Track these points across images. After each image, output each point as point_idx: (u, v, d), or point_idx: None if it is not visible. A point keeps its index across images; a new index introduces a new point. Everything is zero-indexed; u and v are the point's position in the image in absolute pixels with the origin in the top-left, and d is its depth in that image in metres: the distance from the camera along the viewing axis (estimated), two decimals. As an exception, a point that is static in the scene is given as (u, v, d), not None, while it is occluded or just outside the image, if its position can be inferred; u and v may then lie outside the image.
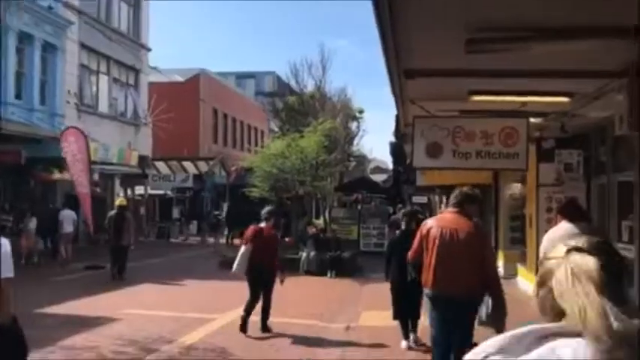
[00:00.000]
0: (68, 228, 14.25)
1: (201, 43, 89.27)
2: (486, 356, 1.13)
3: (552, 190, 10.75)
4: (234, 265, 8.05)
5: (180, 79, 34.34)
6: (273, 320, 8.59)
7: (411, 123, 7.82)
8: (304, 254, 14.43)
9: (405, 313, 7.05)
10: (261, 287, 7.95)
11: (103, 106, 24.44)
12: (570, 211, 5.68)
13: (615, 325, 1.06)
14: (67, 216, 14.57)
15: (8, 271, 3.44)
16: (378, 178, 23.08)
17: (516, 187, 14.32)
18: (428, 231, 5.01)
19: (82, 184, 14.71)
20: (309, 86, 25.78)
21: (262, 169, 15.83)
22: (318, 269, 14.16)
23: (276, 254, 8.18)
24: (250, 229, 8.12)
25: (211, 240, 25.77)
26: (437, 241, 4.88)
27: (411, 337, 7.02)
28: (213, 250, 19.62)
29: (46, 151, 15.57)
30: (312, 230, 15.16)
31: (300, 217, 18.89)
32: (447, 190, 19.70)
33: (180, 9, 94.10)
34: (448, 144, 7.57)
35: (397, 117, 21.03)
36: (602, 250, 1.19)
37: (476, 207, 5.20)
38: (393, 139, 22.53)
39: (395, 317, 6.91)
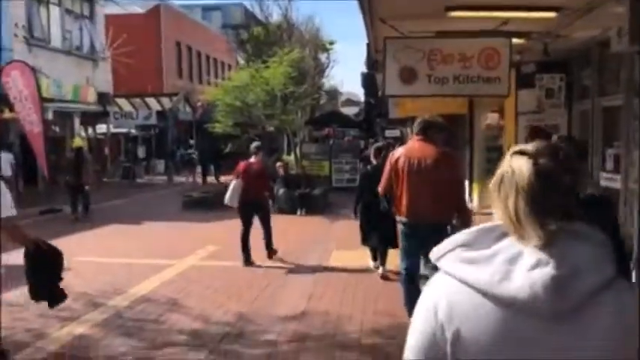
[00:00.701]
0: (6, 171, 13.23)
1: None
2: (454, 248, 1.19)
3: (532, 119, 10.18)
4: (226, 198, 8.37)
5: (139, 10, 32.36)
6: (235, 263, 8.05)
7: (382, 46, 7.02)
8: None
9: (379, 240, 7.26)
10: (253, 218, 8.34)
11: (56, 40, 22.79)
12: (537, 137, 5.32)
13: (531, 233, 1.12)
14: (4, 159, 13.54)
15: (12, 211, 3.82)
16: (350, 111, 22.32)
17: (493, 117, 13.75)
18: (396, 161, 5.05)
19: (32, 122, 13.62)
20: (275, 15, 24.42)
21: (225, 103, 14.86)
22: (287, 207, 13.57)
23: (266, 186, 8.70)
24: (240, 164, 8.53)
25: (182, 179, 25.06)
26: (405, 170, 4.94)
27: (380, 269, 7.17)
28: (190, 189, 18.81)
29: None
30: (281, 167, 14.42)
31: (269, 154, 18.17)
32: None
33: None
34: (423, 68, 6.83)
35: (368, 44, 20.13)
36: (550, 154, 1.18)
37: (440, 134, 5.18)
38: (364, 70, 21.69)
39: (363, 242, 7.27)
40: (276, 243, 8.70)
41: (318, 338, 4.98)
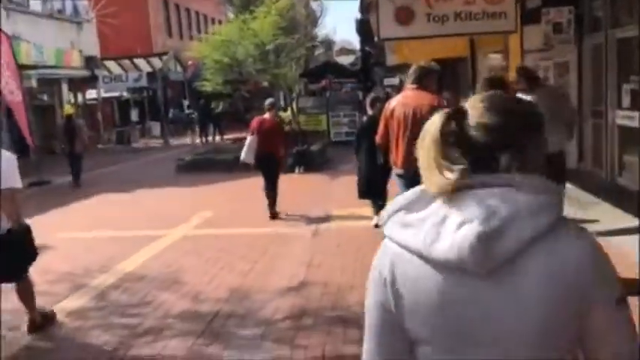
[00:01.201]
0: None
1: None
2: (395, 212, 1.19)
3: (539, 57, 9.51)
4: (242, 154, 8.49)
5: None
6: (230, 230, 7.59)
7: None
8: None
9: (373, 195, 7.24)
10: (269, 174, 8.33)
11: (36, 4, 21.82)
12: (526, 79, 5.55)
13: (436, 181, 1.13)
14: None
15: (15, 182, 3.81)
16: (345, 60, 21.46)
17: (495, 58, 13.01)
18: (392, 112, 4.95)
19: (12, 91, 12.93)
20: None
21: (213, 60, 14.09)
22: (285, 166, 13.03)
23: (280, 142, 8.63)
24: (255, 120, 8.67)
25: (180, 141, 24.51)
26: (401, 120, 4.83)
27: (375, 219, 6.99)
28: (189, 151, 18.21)
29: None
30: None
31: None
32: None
33: None
34: (420, 6, 6.18)
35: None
36: (485, 106, 1.17)
37: (435, 81, 5.06)
38: (359, 15, 20.73)
39: (360, 197, 7.18)
40: (278, 204, 8.25)
41: (316, 313, 4.52)
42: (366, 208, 7.51)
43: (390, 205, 1.20)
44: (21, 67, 16.40)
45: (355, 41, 22.23)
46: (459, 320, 1.11)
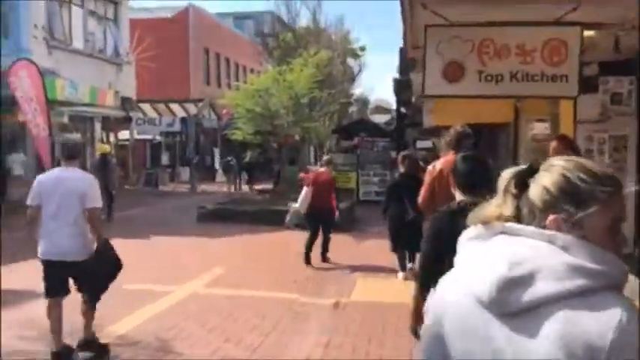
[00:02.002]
0: (17, 171, 12.50)
1: None
2: (469, 239, 1.29)
3: (594, 129, 8.76)
4: (298, 203, 9.27)
5: (167, 14, 31.70)
6: (241, 292, 6.87)
7: (423, 37, 5.76)
8: (293, 205, 12.58)
9: (404, 245, 7.45)
10: (320, 224, 8.94)
11: (78, 42, 22.13)
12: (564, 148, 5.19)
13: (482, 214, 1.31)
14: (16, 160, 12.75)
15: (99, 202, 4.44)
16: (380, 119, 20.96)
17: (539, 127, 12.30)
18: (440, 173, 4.90)
19: (38, 125, 12.71)
20: (304, 18, 23.16)
21: (245, 109, 13.71)
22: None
23: (333, 196, 9.33)
24: (312, 173, 9.68)
25: (208, 187, 24.21)
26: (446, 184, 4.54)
27: (409, 266, 7.31)
28: (221, 198, 17.69)
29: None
30: (303, 178, 13.20)
31: (291, 164, 17.00)
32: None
33: None
34: (473, 63, 5.56)
35: (402, 49, 18.78)
36: (560, 170, 1.24)
37: (471, 144, 5.04)
38: (397, 75, 20.37)
39: (393, 249, 7.20)
40: (293, 265, 7.62)
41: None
42: (393, 278, 6.75)
43: (466, 233, 1.31)
44: (54, 103, 16.42)
45: (391, 100, 21.76)
46: (474, 354, 1.18)
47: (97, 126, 23.74)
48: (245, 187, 23.54)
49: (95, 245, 4.50)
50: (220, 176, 29.04)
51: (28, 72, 12.67)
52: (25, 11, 18.52)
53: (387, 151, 19.33)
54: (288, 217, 12.48)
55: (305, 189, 9.10)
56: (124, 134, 26.40)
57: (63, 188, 4.39)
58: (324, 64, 15.51)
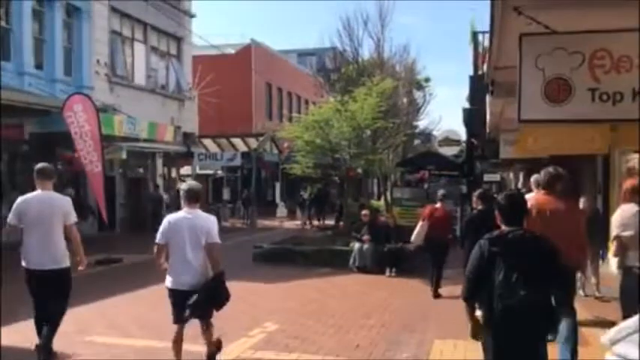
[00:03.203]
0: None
1: (251, 17, 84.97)
2: (633, 332, 1.32)
3: None
4: (413, 236, 9.82)
5: (230, 50, 31.73)
6: (296, 356, 5.81)
7: (518, 48, 4.68)
8: (357, 245, 11.51)
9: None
10: (435, 258, 9.33)
11: (140, 78, 22.21)
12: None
13: None
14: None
15: (217, 237, 5.02)
16: (448, 151, 19.66)
17: (636, 160, 10.79)
18: (528, 212, 4.59)
19: (92, 161, 12.30)
20: (367, 48, 22.32)
21: (304, 141, 12.84)
22: (373, 265, 11.24)
23: (448, 230, 9.98)
24: (427, 208, 10.02)
25: (268, 222, 23.52)
26: (538, 224, 4.71)
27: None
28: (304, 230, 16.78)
29: (57, 126, 13.21)
30: (365, 216, 12.13)
31: (354, 199, 15.95)
32: (531, 163, 16.19)
33: None
34: (582, 79, 4.44)
35: (472, 76, 17.52)
36: None
37: (564, 186, 5.26)
38: (467, 104, 19.13)
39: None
40: (355, 319, 6.52)
41: None
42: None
43: (624, 327, 1.37)
44: (113, 139, 16.17)
45: (461, 131, 20.44)
46: None
47: (159, 162, 23.65)
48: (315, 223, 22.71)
49: (210, 275, 5.00)
50: (281, 211, 28.37)
51: (83, 106, 12.32)
52: (87, 48, 18.65)
53: (457, 186, 18.00)
54: (351, 259, 11.44)
55: (420, 223, 9.68)
56: (186, 169, 26.25)
57: (188, 227, 4.96)
58: (389, 94, 14.48)
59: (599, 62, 4.42)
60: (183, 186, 5.37)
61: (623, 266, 4.78)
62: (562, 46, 4.48)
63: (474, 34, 17.71)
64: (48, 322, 5.35)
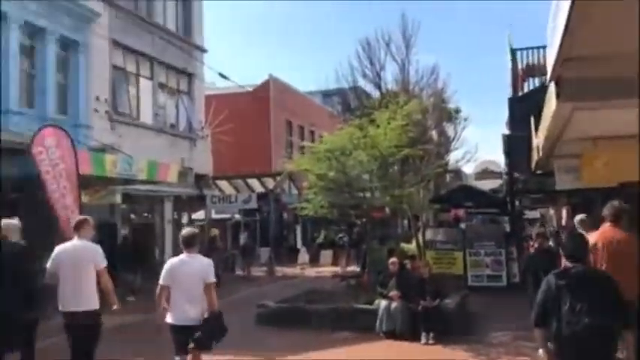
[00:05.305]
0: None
1: (266, 58, 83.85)
2: None
3: None
4: None
5: (247, 88, 30.11)
6: None
7: None
8: (383, 304, 9.19)
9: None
10: None
11: (146, 116, 20.57)
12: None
13: None
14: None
15: (213, 277, 5.52)
16: (486, 185, 17.33)
17: None
18: (594, 246, 5.32)
19: (65, 205, 10.39)
20: (389, 71, 20.16)
21: (315, 174, 10.67)
22: (405, 328, 8.88)
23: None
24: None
25: (288, 269, 21.38)
26: (605, 257, 5.42)
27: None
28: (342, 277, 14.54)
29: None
30: (394, 264, 9.78)
31: (381, 243, 13.67)
32: (581, 197, 13.83)
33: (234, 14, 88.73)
34: None
35: (511, 98, 15.28)
36: None
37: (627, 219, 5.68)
38: (506, 130, 16.94)
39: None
40: None
41: None
42: None
43: None
44: (103, 180, 14.34)
45: (501, 162, 18.09)
46: None
47: (168, 206, 21.78)
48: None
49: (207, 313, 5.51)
50: (303, 257, 26.17)
51: (57, 141, 10.49)
52: (84, 83, 17.11)
53: (500, 225, 15.65)
54: (377, 322, 9.12)
55: None
56: (199, 214, 24.37)
57: (187, 270, 5.55)
58: (416, 121, 12.35)
59: None
60: (181, 232, 5.85)
61: None
62: None
63: (513, 52, 15.66)
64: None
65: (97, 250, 6.12)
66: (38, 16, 15.46)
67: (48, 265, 6.09)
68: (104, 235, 12.74)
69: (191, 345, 5.39)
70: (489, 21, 79.26)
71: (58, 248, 6.12)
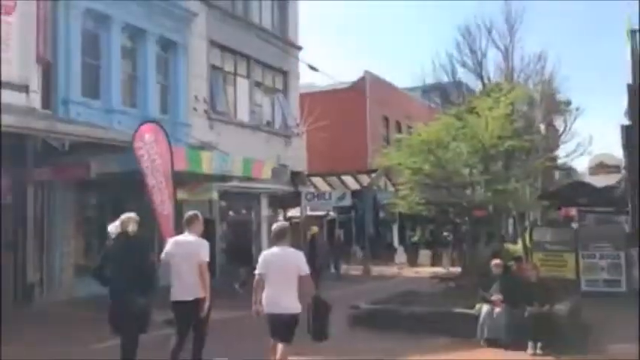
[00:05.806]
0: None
1: (365, 52, 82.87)
2: None
3: None
4: None
5: (341, 84, 29.78)
6: None
7: None
8: (485, 309, 8.43)
9: None
10: None
11: (243, 115, 20.80)
12: None
13: None
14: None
15: (307, 269, 5.84)
16: (602, 180, 15.78)
17: None
18: None
19: (162, 202, 10.47)
20: (490, 59, 18.88)
21: (409, 168, 10.01)
22: (509, 337, 8.06)
23: None
24: None
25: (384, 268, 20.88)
26: None
27: None
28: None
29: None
30: (498, 266, 8.97)
31: (487, 243, 12.75)
32: None
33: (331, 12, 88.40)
34: None
35: (630, 86, 13.82)
36: None
37: None
38: (625, 120, 15.34)
39: None
40: None
41: None
42: None
43: None
44: (199, 177, 14.53)
45: (619, 155, 16.45)
46: None
47: (264, 202, 21.91)
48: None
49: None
50: (400, 257, 25.43)
51: (155, 137, 10.61)
52: (184, 83, 17.51)
53: (619, 225, 14.18)
54: (479, 329, 8.38)
55: None
56: (295, 211, 24.36)
57: (279, 261, 5.88)
58: (521, 112, 11.35)
59: None
60: (272, 226, 6.27)
61: None
62: None
63: (632, 33, 14.13)
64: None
65: (205, 245, 6.46)
66: (139, 17, 15.96)
67: (162, 256, 6.55)
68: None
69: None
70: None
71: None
